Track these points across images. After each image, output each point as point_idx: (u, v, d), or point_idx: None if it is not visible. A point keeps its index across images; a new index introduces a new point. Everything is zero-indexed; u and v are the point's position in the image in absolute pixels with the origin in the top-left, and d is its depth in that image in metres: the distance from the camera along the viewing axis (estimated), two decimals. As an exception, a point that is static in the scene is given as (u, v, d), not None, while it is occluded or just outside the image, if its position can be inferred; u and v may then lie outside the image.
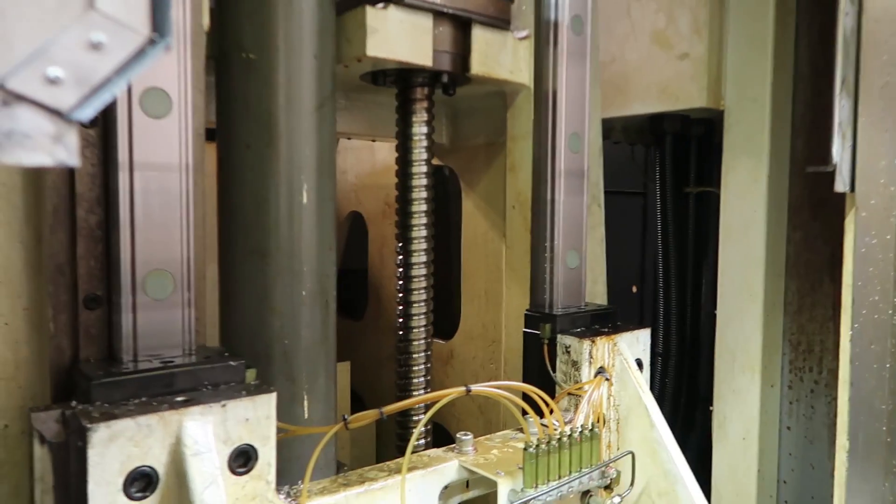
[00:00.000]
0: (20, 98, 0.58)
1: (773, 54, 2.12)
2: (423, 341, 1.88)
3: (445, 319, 2.35)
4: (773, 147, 2.17)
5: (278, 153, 1.36)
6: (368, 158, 2.68)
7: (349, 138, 2.35)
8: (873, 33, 1.61)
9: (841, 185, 1.59)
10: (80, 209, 1.14)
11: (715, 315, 2.40)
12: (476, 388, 1.30)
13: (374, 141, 2.34)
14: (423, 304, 1.83)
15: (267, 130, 1.35)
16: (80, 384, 1.08)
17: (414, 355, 1.87)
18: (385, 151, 2.61)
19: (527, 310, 1.85)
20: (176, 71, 1.15)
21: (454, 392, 1.28)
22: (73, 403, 1.04)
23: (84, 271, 1.15)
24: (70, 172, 1.13)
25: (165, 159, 1.15)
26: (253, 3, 1.33)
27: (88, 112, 0.61)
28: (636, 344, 1.82)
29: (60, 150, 0.60)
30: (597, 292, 2.18)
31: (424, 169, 1.79)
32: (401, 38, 1.55)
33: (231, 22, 1.35)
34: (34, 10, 0.57)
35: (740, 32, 2.20)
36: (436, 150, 2.31)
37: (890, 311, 1.69)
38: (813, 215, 2.24)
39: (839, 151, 1.57)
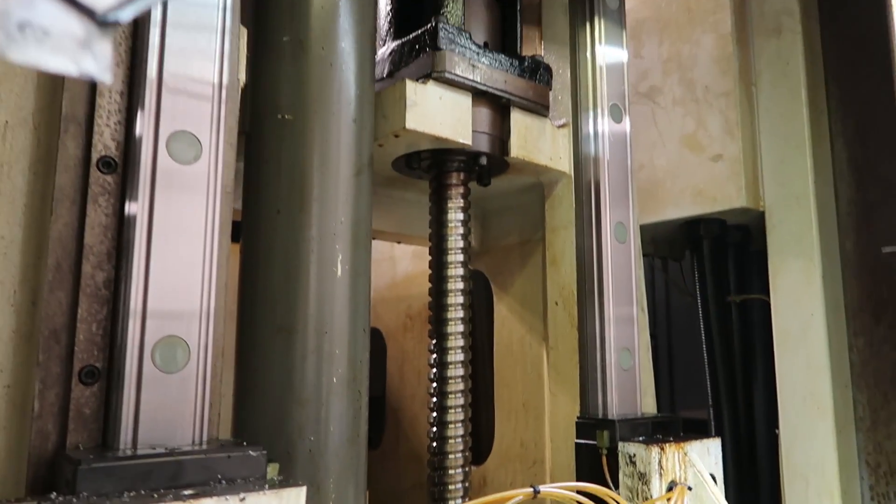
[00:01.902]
0: (42, -19, 0.44)
1: (811, 152, 2.07)
2: (460, 465, 1.62)
3: (475, 441, 2.09)
4: (823, 246, 2.05)
5: (311, 219, 1.22)
6: (388, 270, 2.54)
7: (374, 238, 2.23)
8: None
9: (926, 263, 1.45)
10: (86, 264, 0.98)
11: (775, 434, 2.14)
12: (545, 488, 1.06)
13: (398, 242, 2.22)
14: (459, 410, 1.61)
15: (300, 194, 1.22)
16: (63, 472, 0.86)
17: (450, 480, 1.61)
18: (406, 261, 2.49)
19: (578, 417, 1.63)
20: (209, 115, 1.05)
21: (519, 493, 1.04)
22: (53, 496, 0.81)
23: (83, 337, 0.96)
24: (80, 223, 0.99)
25: (190, 211, 1.01)
26: (291, 65, 1.26)
27: (128, 14, 0.47)
28: (707, 456, 1.58)
29: (88, 59, 0.45)
30: (646, 404, 1.95)
31: (461, 258, 1.64)
32: (440, 114, 1.48)
33: (267, 84, 1.27)
34: None
35: (775, 132, 2.16)
36: (464, 254, 2.19)
37: None
38: (875, 319, 2.07)
39: (918, 227, 1.44)
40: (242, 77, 1.19)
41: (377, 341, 2.59)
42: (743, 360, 2.41)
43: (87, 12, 0.46)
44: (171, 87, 1.01)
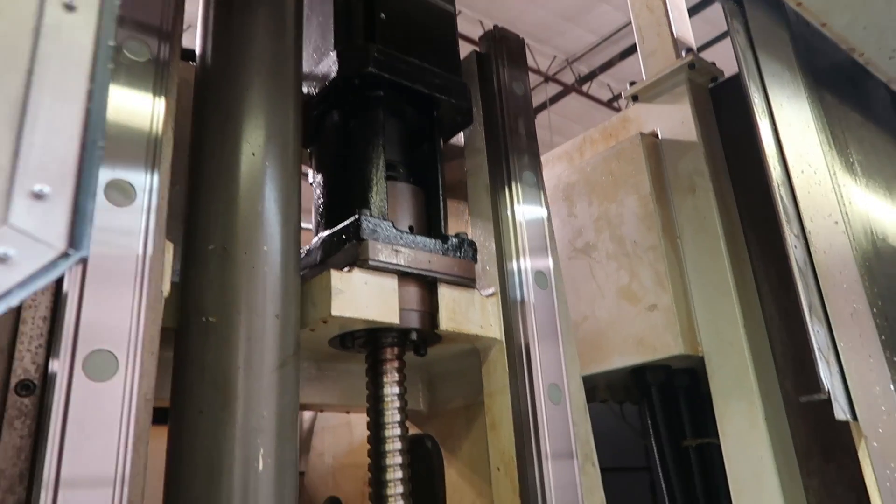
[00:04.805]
0: None
1: (738, 299, 2.17)
2: None
3: None
4: (763, 389, 2.10)
5: (234, 417, 1.27)
6: (346, 436, 2.54)
7: (321, 410, 2.26)
8: (825, 265, 1.66)
9: (840, 412, 1.50)
10: (-2, 488, 1.01)
11: (747, 588, 2.08)
12: None
13: (347, 412, 2.24)
14: None
15: (222, 393, 1.28)
16: None
17: None
18: (363, 426, 2.48)
19: (526, 592, 1.59)
20: (126, 332, 1.13)
21: None
22: None
23: (-11, 565, 0.98)
24: (-4, 447, 1.03)
25: (104, 425, 1.06)
26: (217, 271, 1.37)
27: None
28: None
29: None
30: (606, 567, 1.90)
31: (398, 432, 1.68)
32: (366, 299, 1.57)
33: (193, 289, 1.37)
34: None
35: (703, 282, 2.28)
36: (415, 418, 2.22)
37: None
38: (825, 458, 2.08)
39: (828, 378, 1.51)
40: (166, 288, 1.28)
41: (338, 511, 2.54)
42: (707, 506, 2.37)
43: None
44: (89, 311, 1.10)
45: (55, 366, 1.06)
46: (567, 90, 13.83)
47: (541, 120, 14.49)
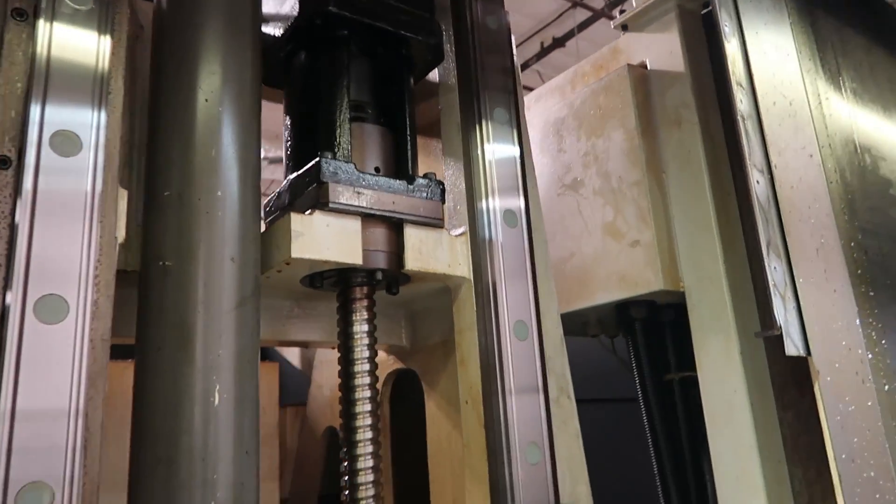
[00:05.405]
0: None
1: (719, 233, 2.15)
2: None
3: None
4: (740, 324, 2.10)
5: (192, 355, 1.34)
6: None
7: (306, 346, 2.34)
8: (791, 199, 1.63)
9: (792, 348, 1.51)
10: (-38, 421, 1.10)
11: (721, 515, 2.14)
12: None
13: (333, 348, 2.32)
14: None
15: (180, 333, 1.35)
16: None
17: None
18: (355, 361, 2.58)
19: (489, 517, 1.68)
20: (77, 276, 1.19)
21: None
22: None
23: (-43, 489, 1.08)
24: (-41, 384, 1.12)
25: (58, 364, 1.14)
26: (173, 217, 1.41)
27: None
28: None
29: None
30: (579, 494, 1.98)
31: (367, 367, 1.74)
32: (328, 240, 1.61)
33: (152, 234, 1.42)
34: None
35: (686, 217, 2.26)
36: (399, 353, 2.30)
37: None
38: (800, 392, 2.09)
39: (782, 313, 1.51)
40: (121, 234, 1.34)
41: (336, 441, 2.66)
42: (690, 438, 2.42)
43: None
44: (38, 257, 1.16)
45: (9, 304, 1.13)
46: (596, 15, 13.30)
47: (569, 48, 14.02)
